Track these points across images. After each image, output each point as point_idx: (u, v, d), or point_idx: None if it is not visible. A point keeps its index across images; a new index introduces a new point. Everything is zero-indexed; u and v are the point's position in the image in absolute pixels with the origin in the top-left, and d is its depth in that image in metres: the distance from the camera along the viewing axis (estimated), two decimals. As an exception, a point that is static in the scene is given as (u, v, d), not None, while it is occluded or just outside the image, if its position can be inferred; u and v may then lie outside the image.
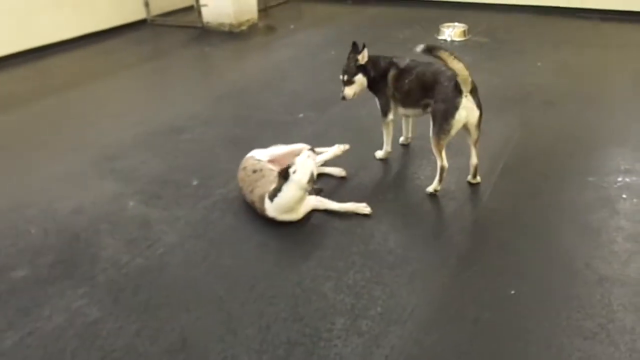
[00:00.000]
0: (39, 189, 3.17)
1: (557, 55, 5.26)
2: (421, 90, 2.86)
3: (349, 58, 3.07)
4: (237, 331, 2.08)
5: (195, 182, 3.15)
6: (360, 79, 3.04)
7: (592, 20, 6.44)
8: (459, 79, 2.63)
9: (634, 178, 2.99)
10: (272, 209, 2.67)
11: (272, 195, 2.64)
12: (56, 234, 2.71)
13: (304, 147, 2.83)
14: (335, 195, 2.94)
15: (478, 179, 3.00)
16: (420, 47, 2.70)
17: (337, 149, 2.97)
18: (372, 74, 3.04)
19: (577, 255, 2.43)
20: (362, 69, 3.03)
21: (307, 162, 2.64)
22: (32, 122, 4.19)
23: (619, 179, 3.00)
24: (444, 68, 2.79)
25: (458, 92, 2.66)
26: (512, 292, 2.22)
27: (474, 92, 2.72)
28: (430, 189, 2.93)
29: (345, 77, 3.04)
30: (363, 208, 2.77)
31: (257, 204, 2.73)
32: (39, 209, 2.95)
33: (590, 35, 5.98)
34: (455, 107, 2.67)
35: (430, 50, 2.67)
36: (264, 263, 2.47)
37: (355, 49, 3.05)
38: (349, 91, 3.05)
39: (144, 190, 3.09)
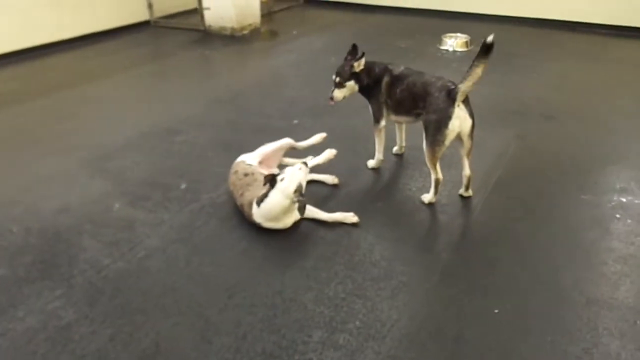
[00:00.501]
0: (26, 188, 3.14)
1: (558, 69, 5.22)
2: (412, 100, 2.83)
3: (346, 59, 3.04)
4: (212, 340, 2.04)
5: (183, 186, 3.11)
6: (351, 85, 3.01)
7: (596, 35, 6.40)
8: (462, 89, 2.59)
9: (629, 198, 2.94)
10: (258, 214, 2.63)
11: (260, 201, 2.61)
12: (38, 233, 2.68)
13: (289, 141, 2.94)
14: (325, 203, 2.90)
15: (470, 192, 2.96)
16: (490, 38, 2.63)
17: (329, 154, 2.95)
18: (365, 81, 3.02)
19: (566, 276, 2.37)
20: (356, 76, 3.00)
21: (296, 172, 2.62)
22: (26, 121, 4.16)
23: (614, 198, 2.94)
24: (434, 79, 2.76)
25: (450, 101, 2.63)
26: (496, 310, 2.17)
27: (465, 101, 2.68)
28: (425, 200, 2.90)
29: (338, 79, 3.02)
30: (351, 217, 2.73)
31: (246, 208, 2.70)
32: (23, 207, 2.92)
33: (594, 50, 5.93)
34: (448, 117, 2.63)
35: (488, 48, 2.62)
36: (246, 270, 2.42)
37: (355, 52, 3.03)
38: (338, 94, 3.04)
39: (131, 192, 3.06)
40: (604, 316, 2.14)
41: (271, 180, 2.59)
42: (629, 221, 2.74)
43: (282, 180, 2.58)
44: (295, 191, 2.55)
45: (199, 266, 2.45)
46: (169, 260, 2.49)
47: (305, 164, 2.73)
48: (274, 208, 2.59)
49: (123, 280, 2.35)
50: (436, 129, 2.67)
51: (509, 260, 2.49)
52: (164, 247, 2.57)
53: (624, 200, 2.91)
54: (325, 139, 3.11)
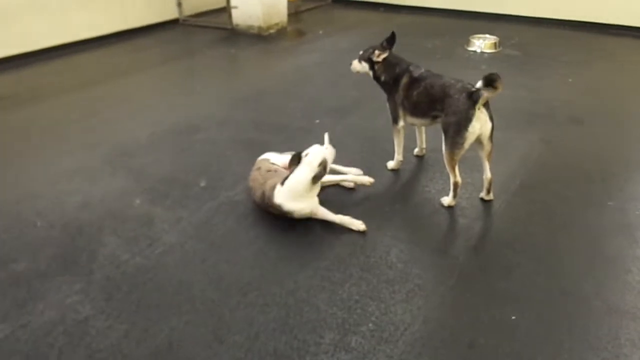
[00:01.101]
0: (50, 182, 3.22)
1: (588, 72, 5.08)
2: (429, 102, 2.79)
3: (381, 44, 3.05)
4: (224, 338, 2.04)
5: (203, 183, 3.14)
6: (365, 67, 3.12)
7: (629, 38, 6.22)
8: (485, 95, 2.54)
9: (658, 205, 2.84)
10: (281, 192, 2.65)
11: (284, 180, 2.65)
12: (61, 228, 2.74)
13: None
14: (343, 204, 2.89)
15: (491, 195, 2.90)
16: (479, 83, 2.56)
17: (365, 179, 2.95)
18: (384, 77, 3.03)
19: (587, 284, 2.30)
20: (371, 63, 3.06)
21: (321, 149, 2.69)
22: (55, 116, 4.27)
23: (642, 204, 2.85)
24: (453, 81, 2.71)
25: (471, 104, 2.58)
26: (513, 317, 2.12)
27: (486, 104, 2.63)
28: (444, 202, 2.86)
29: (360, 54, 3.15)
30: (358, 224, 2.68)
31: (267, 192, 2.71)
32: (47, 201, 2.99)
33: (625, 53, 5.76)
34: (468, 120, 2.58)
35: (489, 83, 2.52)
36: (261, 269, 2.43)
37: (392, 40, 3.04)
38: (356, 65, 3.19)
39: (152, 189, 3.10)
40: (626, 326, 2.07)
41: (297, 159, 2.63)
42: (656, 229, 2.64)
43: (306, 155, 2.64)
44: (320, 164, 2.60)
45: (215, 264, 2.47)
46: (186, 257, 2.52)
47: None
48: (299, 182, 2.62)
49: (140, 275, 2.38)
50: (456, 131, 2.63)
51: (529, 266, 2.43)
52: (181, 244, 2.60)
53: (652, 207, 2.82)
54: (371, 184, 2.95)
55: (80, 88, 4.86)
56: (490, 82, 2.52)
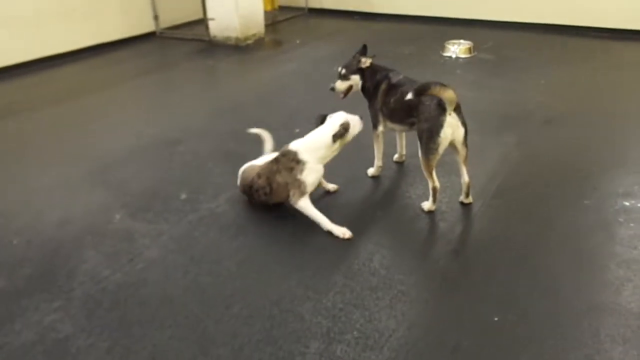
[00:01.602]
0: (28, 199, 3.17)
1: (562, 74, 5.19)
2: (406, 109, 2.82)
3: (354, 57, 3.10)
4: (209, 351, 2.02)
5: (183, 196, 3.12)
6: (355, 79, 3.08)
7: (598, 39, 6.37)
8: (446, 100, 2.58)
9: (632, 201, 2.90)
10: (299, 143, 2.80)
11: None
12: (39, 245, 2.69)
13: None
14: (325, 211, 2.88)
15: (470, 199, 2.93)
16: (409, 95, 2.61)
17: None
18: (367, 82, 3.06)
19: (567, 282, 2.34)
20: (361, 72, 3.06)
21: (344, 114, 2.84)
22: (31, 131, 4.21)
23: (617, 202, 2.91)
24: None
25: (441, 110, 2.62)
26: (496, 319, 2.14)
27: (457, 109, 2.67)
28: (425, 207, 2.88)
29: (343, 72, 3.09)
30: (344, 232, 2.68)
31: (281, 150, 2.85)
32: (25, 219, 2.94)
33: (598, 54, 5.89)
34: (440, 125, 2.62)
35: (420, 93, 2.60)
36: (244, 281, 2.42)
37: (364, 52, 3.08)
38: (340, 85, 3.12)
39: (132, 203, 3.07)
40: (606, 322, 2.10)
41: (321, 119, 2.84)
42: (632, 225, 2.70)
43: (330, 117, 2.84)
44: (342, 125, 2.73)
45: (197, 277, 2.45)
46: (168, 271, 2.49)
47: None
48: (320, 136, 2.77)
49: (121, 292, 2.35)
50: (428, 137, 2.67)
51: (509, 267, 2.46)
52: (162, 258, 2.58)
53: (627, 204, 2.87)
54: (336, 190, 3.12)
55: (57, 102, 4.80)
56: (420, 92, 2.59)
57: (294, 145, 2.79)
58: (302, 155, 2.75)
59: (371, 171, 3.26)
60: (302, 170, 2.75)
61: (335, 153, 2.82)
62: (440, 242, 2.70)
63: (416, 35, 6.86)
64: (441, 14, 7.44)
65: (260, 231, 2.79)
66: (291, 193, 2.77)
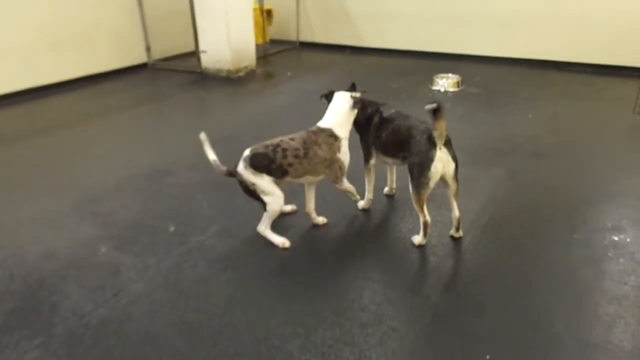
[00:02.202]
0: (13, 230, 3.11)
1: (548, 108, 5.27)
2: (397, 143, 2.84)
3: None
4: (194, 391, 1.97)
5: (172, 228, 3.09)
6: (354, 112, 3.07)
7: (582, 74, 6.53)
8: (436, 134, 2.59)
9: (621, 236, 2.91)
10: (325, 120, 2.93)
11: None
12: (22, 279, 2.63)
13: None
14: (314, 244, 2.89)
15: (460, 233, 2.93)
16: (429, 106, 2.58)
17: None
18: (359, 116, 3.05)
19: (558, 318, 2.32)
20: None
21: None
22: (19, 162, 4.17)
23: (606, 236, 2.91)
24: (417, 122, 2.77)
25: (432, 145, 2.63)
26: (488, 357, 2.10)
27: (448, 144, 2.69)
28: (415, 242, 2.87)
29: None
30: (283, 242, 2.84)
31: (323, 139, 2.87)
32: (9, 251, 2.88)
33: (582, 89, 6.02)
34: (430, 160, 2.63)
35: (436, 111, 2.56)
36: (231, 317, 2.36)
37: (353, 88, 3.09)
38: None
39: (119, 235, 3.03)
40: (598, 361, 2.08)
41: (330, 94, 2.97)
42: (621, 260, 2.70)
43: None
44: (352, 95, 2.90)
45: (184, 312, 2.40)
46: (154, 306, 2.44)
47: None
48: (342, 109, 2.89)
49: (105, 328, 2.29)
50: (419, 171, 2.68)
51: (500, 302, 2.43)
52: (148, 293, 2.52)
53: (616, 238, 2.88)
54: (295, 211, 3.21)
55: (46, 133, 4.78)
56: (436, 110, 2.56)
57: (325, 123, 2.88)
58: (337, 132, 2.86)
59: (361, 204, 3.26)
60: (339, 148, 2.86)
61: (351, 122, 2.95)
62: (431, 277, 2.67)
63: (405, 69, 6.97)
64: (430, 48, 7.60)
65: (249, 264, 2.75)
66: (334, 174, 2.89)
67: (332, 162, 2.84)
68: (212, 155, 2.92)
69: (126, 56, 7.00)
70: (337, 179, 2.92)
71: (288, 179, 2.81)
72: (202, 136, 2.91)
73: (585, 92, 5.89)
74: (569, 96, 5.70)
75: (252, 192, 2.81)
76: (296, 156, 2.76)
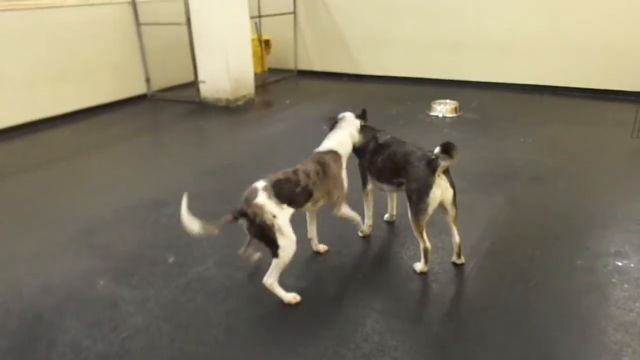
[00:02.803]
0: (9, 264, 3.08)
1: (546, 133, 5.29)
2: (393, 169, 2.85)
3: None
4: None
5: (171, 259, 3.06)
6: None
7: (579, 98, 6.58)
8: (443, 164, 2.60)
9: (624, 261, 2.88)
10: (340, 148, 2.94)
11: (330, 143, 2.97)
12: (18, 314, 2.59)
13: None
14: (315, 272, 2.85)
15: (462, 259, 2.90)
16: (436, 150, 2.65)
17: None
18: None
19: (563, 347, 2.28)
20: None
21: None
22: (17, 195, 4.16)
23: (609, 262, 2.89)
24: (414, 148, 2.78)
25: (430, 171, 2.63)
26: (493, 387, 2.06)
27: (446, 171, 2.69)
28: (417, 269, 2.85)
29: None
30: (293, 297, 2.63)
31: (332, 163, 2.86)
32: (6, 286, 2.85)
33: (579, 113, 6.06)
34: (428, 186, 2.63)
35: (446, 150, 2.60)
36: (231, 349, 2.32)
37: (363, 116, 3.15)
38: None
39: (117, 268, 3.00)
40: (606, 390, 2.03)
41: (333, 121, 3.05)
42: (626, 286, 2.67)
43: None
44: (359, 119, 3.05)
45: (183, 345, 2.36)
46: (153, 339, 2.40)
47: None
48: (348, 132, 2.97)
49: (103, 363, 2.25)
50: (418, 197, 2.68)
51: (504, 331, 2.39)
52: (147, 326, 2.48)
53: (619, 264, 2.85)
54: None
55: (45, 166, 4.78)
56: (446, 149, 2.60)
57: (327, 146, 2.91)
58: (340, 150, 2.91)
59: (361, 231, 3.24)
60: (341, 166, 2.88)
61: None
62: (434, 305, 2.64)
63: (403, 96, 7.03)
64: (427, 75, 7.68)
65: (249, 295, 2.72)
66: (335, 195, 2.84)
67: (337, 180, 2.84)
68: (195, 223, 2.48)
69: (126, 88, 7.06)
70: (338, 201, 2.87)
71: (308, 205, 2.76)
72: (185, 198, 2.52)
73: (583, 116, 5.93)
74: (567, 121, 5.74)
75: (266, 232, 2.49)
76: (317, 172, 2.75)
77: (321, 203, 2.86)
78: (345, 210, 2.94)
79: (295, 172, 2.70)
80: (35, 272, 2.97)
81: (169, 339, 2.39)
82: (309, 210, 2.92)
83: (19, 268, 3.04)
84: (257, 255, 2.84)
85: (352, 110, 3.17)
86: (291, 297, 2.62)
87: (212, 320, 2.53)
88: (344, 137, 2.96)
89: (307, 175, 2.71)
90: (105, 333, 2.44)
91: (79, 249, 3.23)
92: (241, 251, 2.81)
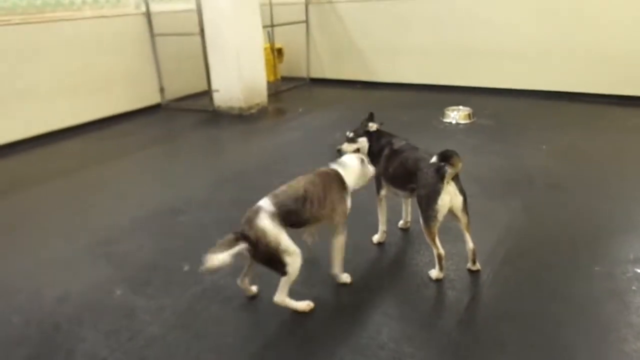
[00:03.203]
0: (29, 274, 3.12)
1: (561, 139, 5.24)
2: (405, 175, 2.86)
3: (362, 123, 3.20)
4: None
5: (186, 268, 3.08)
6: (362, 142, 3.14)
7: (596, 104, 6.50)
8: (456, 170, 2.59)
9: (644, 267, 2.84)
10: (350, 179, 2.83)
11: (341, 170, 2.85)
12: (37, 324, 2.62)
13: None
14: (328, 282, 2.84)
15: (478, 265, 2.88)
16: (433, 159, 2.64)
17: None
18: (373, 146, 3.12)
19: (584, 355, 2.24)
20: (368, 135, 3.13)
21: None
22: (35, 205, 4.23)
23: (629, 269, 2.84)
24: (425, 155, 2.77)
25: (439, 177, 2.63)
26: (512, 396, 2.04)
27: (455, 178, 2.68)
28: (432, 276, 2.84)
29: (351, 135, 3.16)
30: (308, 304, 2.63)
31: (336, 197, 2.75)
32: (25, 295, 2.89)
33: (595, 119, 5.99)
34: (437, 193, 2.63)
35: (444, 159, 2.59)
36: (248, 357, 2.33)
37: (371, 119, 3.18)
38: (347, 147, 3.14)
39: (134, 277, 3.02)
40: (628, 400, 2.00)
41: (338, 153, 3.00)
42: (646, 293, 2.62)
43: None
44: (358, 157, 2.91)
45: (200, 354, 2.36)
46: (169, 348, 2.41)
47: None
48: (354, 159, 2.86)
49: (120, 372, 2.27)
50: (427, 204, 2.68)
51: (522, 339, 2.37)
52: (164, 335, 2.50)
53: (639, 271, 2.81)
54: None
55: (62, 176, 4.85)
56: (445, 157, 2.59)
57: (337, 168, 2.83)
58: (345, 176, 2.79)
59: (376, 238, 3.24)
60: (344, 189, 2.77)
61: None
62: (450, 313, 2.61)
63: (416, 103, 7.02)
64: (440, 81, 7.66)
65: (264, 302, 2.72)
66: (337, 219, 2.71)
67: (339, 204, 2.72)
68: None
69: (140, 98, 7.16)
70: (338, 226, 2.75)
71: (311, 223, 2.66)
72: None
73: (599, 122, 5.86)
74: (582, 127, 5.68)
75: (272, 256, 2.44)
76: (319, 203, 2.61)
77: (325, 221, 2.76)
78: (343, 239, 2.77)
79: (299, 191, 2.60)
80: (54, 281, 3.01)
81: (185, 348, 2.40)
82: (316, 228, 2.83)
83: (38, 277, 3.08)
84: (254, 288, 2.78)
85: (371, 113, 3.20)
86: (305, 305, 2.62)
87: (228, 328, 2.54)
88: (351, 160, 2.88)
89: (312, 203, 2.59)
90: (122, 342, 2.45)
91: (96, 259, 3.27)
92: (240, 282, 2.73)
